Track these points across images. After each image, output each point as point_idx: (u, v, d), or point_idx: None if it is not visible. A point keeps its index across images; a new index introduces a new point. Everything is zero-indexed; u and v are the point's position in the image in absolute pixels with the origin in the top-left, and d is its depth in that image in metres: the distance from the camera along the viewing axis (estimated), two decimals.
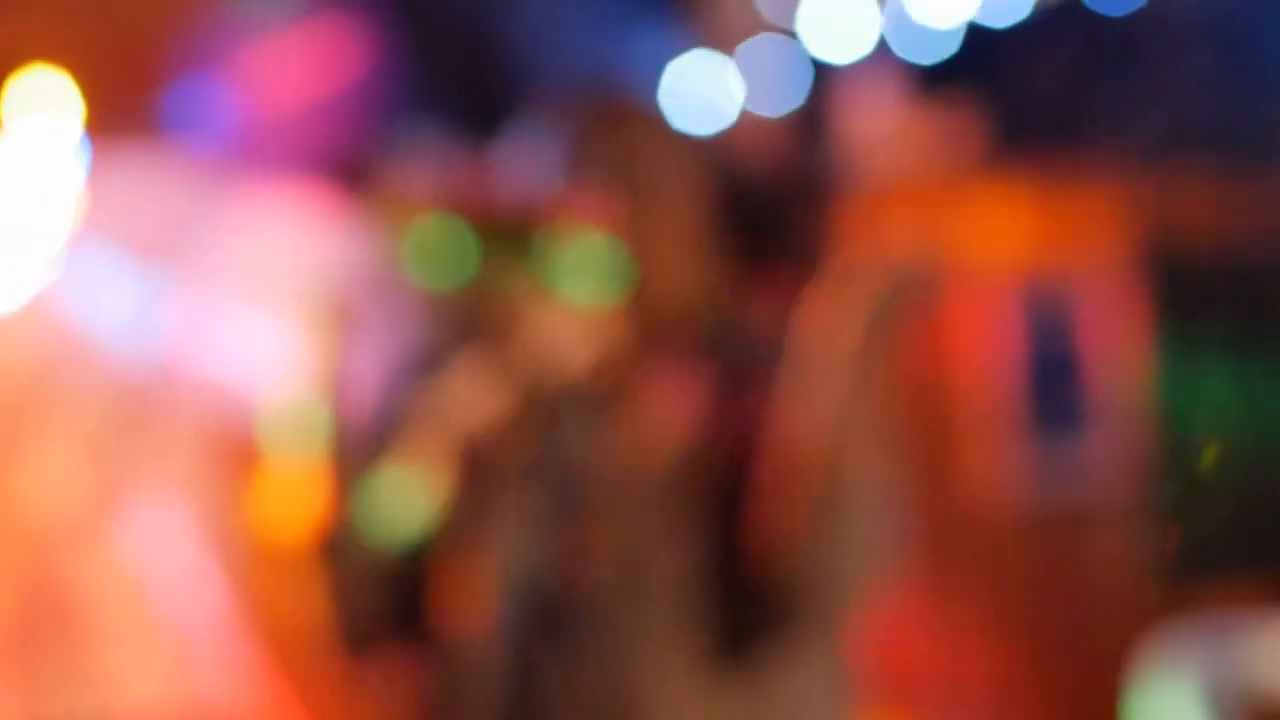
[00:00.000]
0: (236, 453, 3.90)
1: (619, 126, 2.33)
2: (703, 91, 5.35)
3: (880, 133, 5.83)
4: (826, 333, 2.30)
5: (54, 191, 3.61)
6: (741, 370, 2.33)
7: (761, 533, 2.23)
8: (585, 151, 2.30)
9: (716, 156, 4.17)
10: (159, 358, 4.36)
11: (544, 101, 2.49)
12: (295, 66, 4.18)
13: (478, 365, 2.34)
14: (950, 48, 5.33)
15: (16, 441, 4.25)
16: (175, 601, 4.13)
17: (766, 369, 2.32)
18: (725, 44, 5.32)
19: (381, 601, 2.32)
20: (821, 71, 5.63)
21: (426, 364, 2.43)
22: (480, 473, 2.28)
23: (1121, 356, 5.83)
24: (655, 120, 2.44)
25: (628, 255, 2.27)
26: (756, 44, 5.31)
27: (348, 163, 3.91)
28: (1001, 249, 5.81)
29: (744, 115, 5.26)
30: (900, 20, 5.32)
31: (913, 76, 5.84)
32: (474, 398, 2.33)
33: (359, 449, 2.51)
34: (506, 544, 2.24)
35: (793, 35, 5.32)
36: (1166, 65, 5.75)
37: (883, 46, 5.52)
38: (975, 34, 5.44)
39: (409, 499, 2.32)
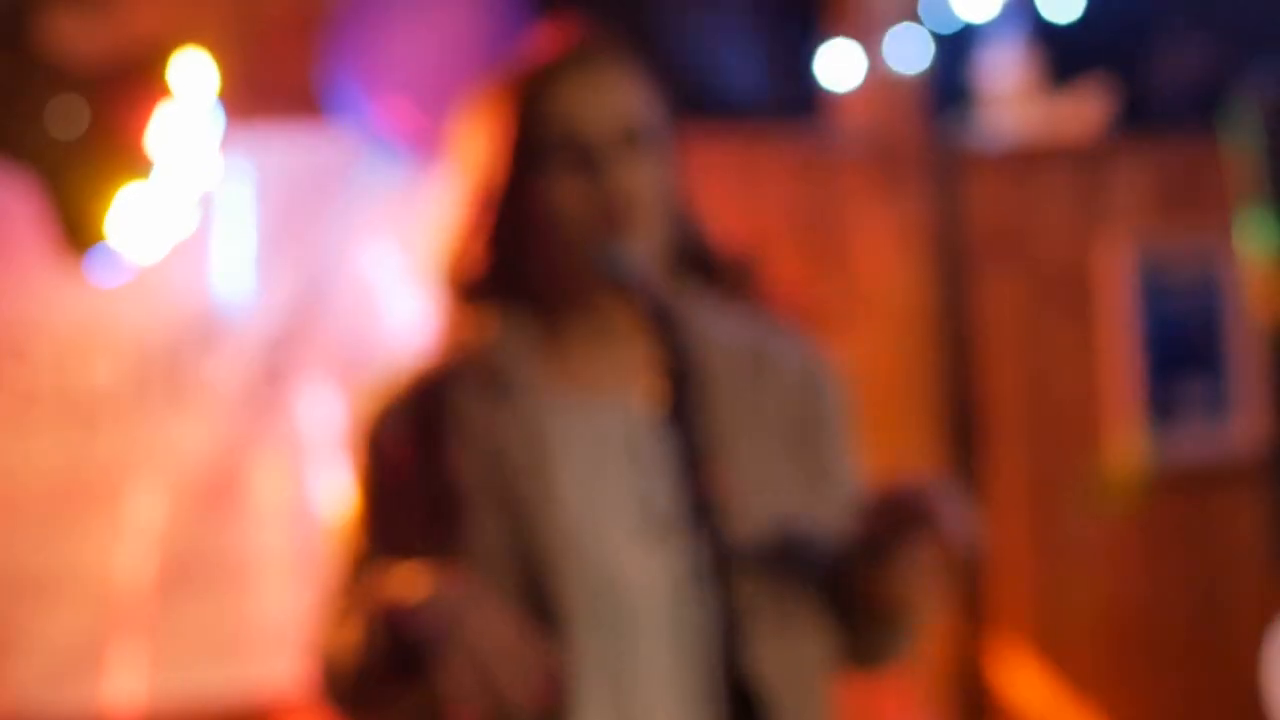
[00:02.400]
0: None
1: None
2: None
3: (1012, 98, 5.91)
4: None
5: (193, 159, 3.80)
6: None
7: None
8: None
9: None
10: (291, 321, 4.53)
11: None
12: (443, 38, 4.27)
13: None
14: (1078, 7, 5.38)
15: (147, 396, 4.41)
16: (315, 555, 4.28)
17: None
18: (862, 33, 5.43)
19: None
20: (954, 41, 5.73)
21: None
22: None
23: (1253, 322, 5.87)
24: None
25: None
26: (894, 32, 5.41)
27: None
28: (1126, 213, 5.88)
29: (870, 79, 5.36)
30: None
31: (1045, 43, 5.92)
32: None
33: None
34: None
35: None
36: None
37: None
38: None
39: None
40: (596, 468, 2.35)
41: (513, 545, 2.30)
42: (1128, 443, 5.77)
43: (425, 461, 2.35)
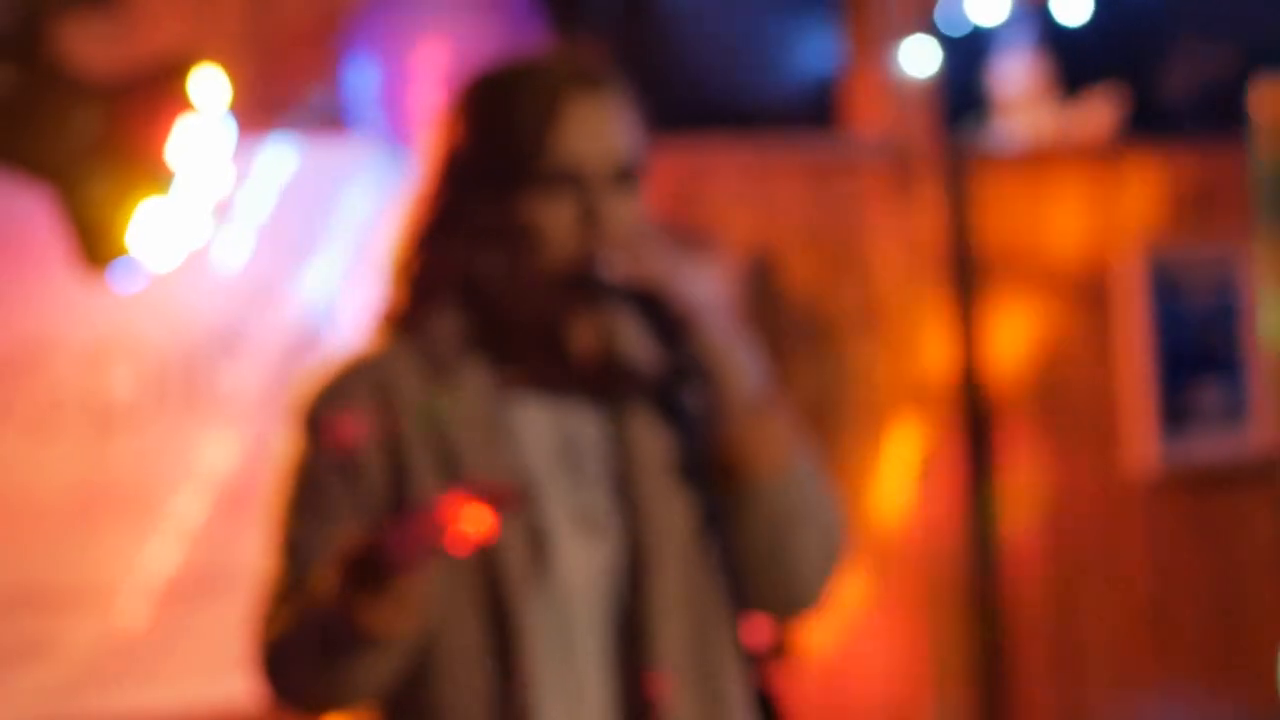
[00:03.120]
0: None
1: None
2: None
3: (1025, 105, 5.95)
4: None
5: (209, 170, 3.83)
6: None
7: None
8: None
9: None
10: (309, 329, 4.56)
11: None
12: (459, 45, 4.30)
13: None
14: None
15: (166, 406, 4.46)
16: None
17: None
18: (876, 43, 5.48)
19: None
20: (967, 49, 5.77)
21: None
22: None
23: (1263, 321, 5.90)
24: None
25: None
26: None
27: None
28: (1139, 217, 5.92)
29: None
30: None
31: (1057, 50, 5.96)
32: None
33: None
34: None
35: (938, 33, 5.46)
36: None
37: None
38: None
39: None
40: (538, 464, 2.42)
41: None
42: (1142, 445, 5.79)
43: (365, 439, 2.38)
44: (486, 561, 2.35)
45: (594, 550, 2.40)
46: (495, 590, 2.36)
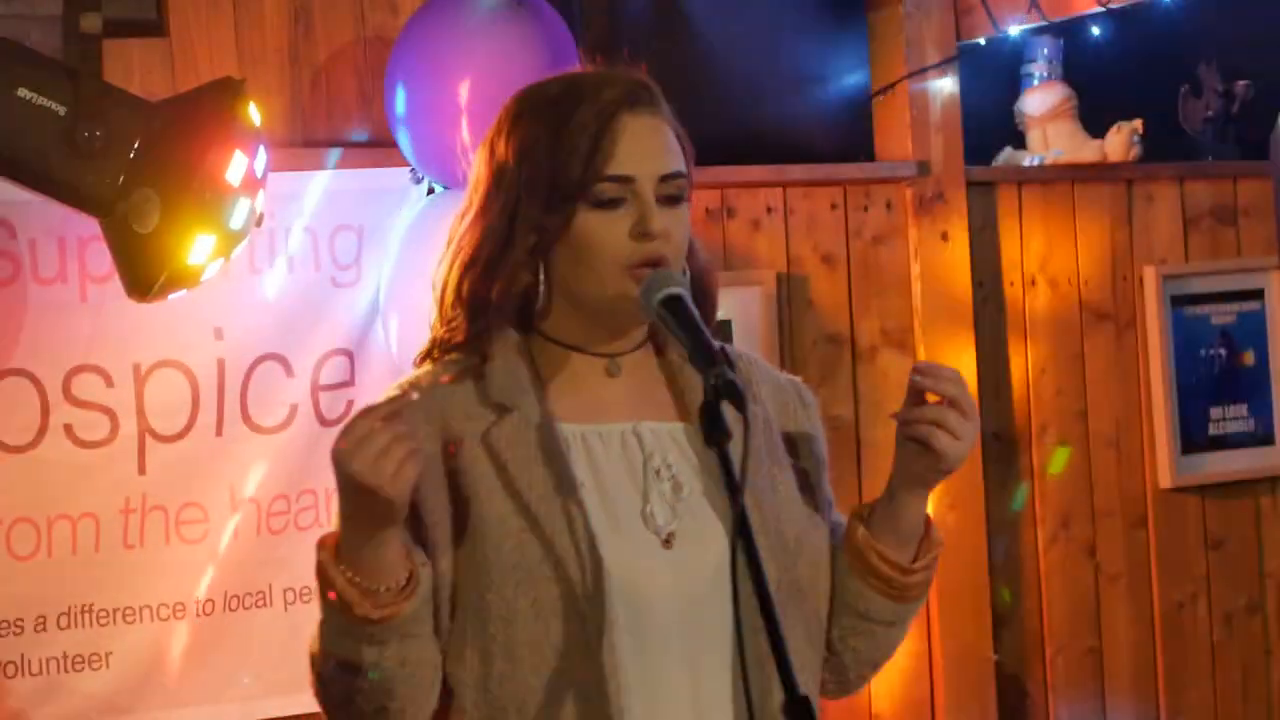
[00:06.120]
0: None
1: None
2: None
3: (1050, 132, 5.99)
4: None
5: (255, 194, 3.86)
6: None
7: None
8: None
9: None
10: (354, 350, 4.58)
11: None
12: (495, 76, 4.31)
13: None
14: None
15: (215, 423, 4.44)
16: None
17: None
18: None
19: None
20: (994, 78, 5.80)
21: None
22: None
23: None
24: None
25: None
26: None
27: None
28: (1163, 241, 5.95)
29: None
30: None
31: (1082, 78, 5.99)
32: None
33: None
34: None
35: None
36: None
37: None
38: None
39: None
40: (603, 487, 2.43)
41: (543, 554, 2.37)
42: (1163, 464, 5.81)
43: (424, 473, 2.34)
44: (561, 578, 2.35)
45: (670, 564, 2.40)
46: (573, 610, 2.35)
